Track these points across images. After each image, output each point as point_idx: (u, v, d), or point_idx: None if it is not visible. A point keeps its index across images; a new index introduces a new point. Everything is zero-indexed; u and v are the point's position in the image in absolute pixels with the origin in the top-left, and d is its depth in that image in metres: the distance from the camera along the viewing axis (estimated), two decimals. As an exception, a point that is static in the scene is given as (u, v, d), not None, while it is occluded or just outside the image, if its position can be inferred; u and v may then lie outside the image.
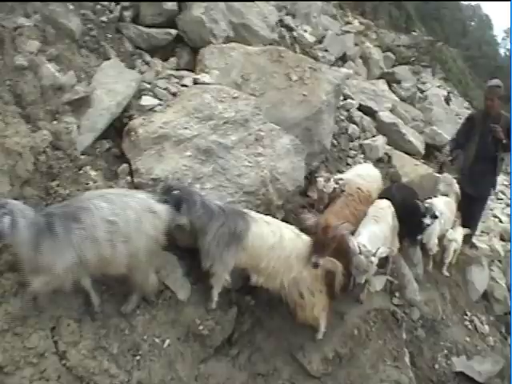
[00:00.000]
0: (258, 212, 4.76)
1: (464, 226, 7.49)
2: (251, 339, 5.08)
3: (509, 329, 7.53)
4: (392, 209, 5.51)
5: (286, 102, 5.81)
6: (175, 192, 4.16)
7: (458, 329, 6.52)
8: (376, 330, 5.43)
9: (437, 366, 5.87)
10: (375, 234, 4.98)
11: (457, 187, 7.39)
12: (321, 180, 5.54)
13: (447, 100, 14.03)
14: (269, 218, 4.65)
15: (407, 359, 5.51)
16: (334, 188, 5.52)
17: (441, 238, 6.81)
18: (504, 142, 7.21)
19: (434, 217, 6.01)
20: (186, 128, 4.90)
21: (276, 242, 4.50)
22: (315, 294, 4.72)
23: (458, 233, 7.09)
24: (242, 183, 4.81)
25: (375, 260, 4.71)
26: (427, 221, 5.94)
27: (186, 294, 4.64)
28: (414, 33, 18.78)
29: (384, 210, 5.40)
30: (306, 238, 4.66)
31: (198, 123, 4.97)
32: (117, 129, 5.13)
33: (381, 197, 5.75)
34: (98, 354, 3.90)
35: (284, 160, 5.19)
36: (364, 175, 6.09)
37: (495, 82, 7.43)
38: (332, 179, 5.56)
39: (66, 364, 3.75)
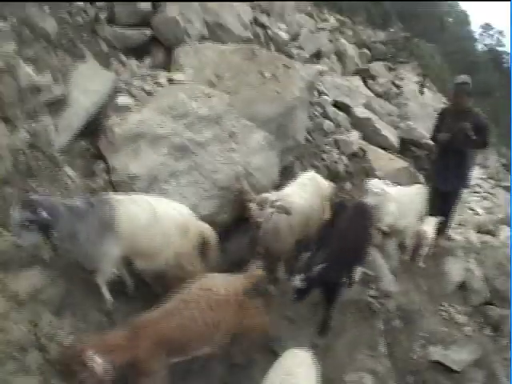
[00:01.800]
0: (233, 208, 4.91)
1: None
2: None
3: (486, 319, 7.69)
4: None
5: (260, 98, 5.91)
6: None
7: (435, 319, 6.59)
8: (352, 320, 5.55)
9: (414, 356, 5.94)
10: None
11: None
12: (253, 207, 4.89)
13: (420, 90, 14.21)
14: (137, 196, 4.30)
15: (383, 349, 5.62)
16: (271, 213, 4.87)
17: (400, 228, 6.88)
18: (474, 138, 7.25)
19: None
20: (161, 126, 5.02)
21: (149, 218, 4.17)
22: (195, 264, 4.54)
23: (431, 224, 7.25)
24: (217, 179, 4.95)
25: None
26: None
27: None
28: (391, 29, 18.96)
29: None
30: (186, 209, 4.45)
31: (172, 121, 5.09)
32: (93, 128, 5.20)
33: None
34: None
35: (257, 155, 5.33)
36: (304, 187, 5.75)
37: (462, 78, 7.49)
38: (267, 202, 4.85)
39: (46, 357, 3.80)
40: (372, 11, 20.46)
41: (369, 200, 6.02)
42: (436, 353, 6.04)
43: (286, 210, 4.82)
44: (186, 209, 4.48)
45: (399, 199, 6.61)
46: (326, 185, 6.20)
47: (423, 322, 6.36)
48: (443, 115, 7.84)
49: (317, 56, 10.96)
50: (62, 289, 4.10)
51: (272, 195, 4.89)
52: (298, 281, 4.74)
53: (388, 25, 20.33)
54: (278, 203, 4.82)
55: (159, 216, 4.22)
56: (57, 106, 4.95)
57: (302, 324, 5.23)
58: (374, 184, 6.32)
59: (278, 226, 4.98)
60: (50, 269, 4.08)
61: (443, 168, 7.67)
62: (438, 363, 5.99)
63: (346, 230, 5.19)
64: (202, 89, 5.51)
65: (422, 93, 14.10)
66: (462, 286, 7.70)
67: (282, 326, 5.20)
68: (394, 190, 6.66)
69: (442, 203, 7.73)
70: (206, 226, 4.58)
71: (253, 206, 4.83)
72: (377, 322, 5.75)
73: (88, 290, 4.32)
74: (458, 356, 6.10)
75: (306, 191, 5.61)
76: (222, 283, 4.06)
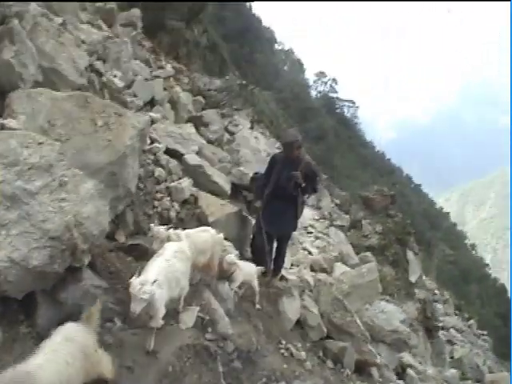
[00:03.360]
0: (65, 258, 4.98)
1: (260, 263, 8.01)
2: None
3: (326, 353, 8.17)
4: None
5: (91, 147, 6.02)
6: None
7: (275, 357, 6.84)
8: (190, 364, 5.58)
9: None
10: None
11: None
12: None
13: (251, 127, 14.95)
14: None
15: (225, 391, 5.74)
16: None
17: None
18: (303, 185, 7.87)
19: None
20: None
21: None
22: None
23: (253, 271, 7.60)
24: (47, 228, 4.91)
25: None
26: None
27: None
28: (227, 76, 19.62)
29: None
30: None
31: (3, 169, 5.00)
32: None
33: None
34: None
35: (88, 205, 5.36)
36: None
37: (290, 137, 7.95)
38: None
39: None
40: (208, 58, 21.10)
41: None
42: (280, 390, 6.21)
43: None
44: None
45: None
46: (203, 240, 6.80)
47: (264, 361, 6.59)
48: (273, 160, 8.44)
49: (151, 103, 11.16)
50: None
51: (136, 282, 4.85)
52: None
53: (224, 72, 21.08)
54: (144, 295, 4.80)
55: None
56: None
57: (142, 372, 5.21)
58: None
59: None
60: None
61: (271, 213, 8.14)
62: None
63: None
64: (34, 136, 5.45)
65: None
66: (300, 324, 8.24)
67: (121, 375, 5.13)
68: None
69: (273, 246, 8.37)
70: None
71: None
72: (216, 365, 5.85)
73: None
74: (301, 391, 6.34)
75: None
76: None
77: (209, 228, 7.24)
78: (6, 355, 4.68)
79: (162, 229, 6.34)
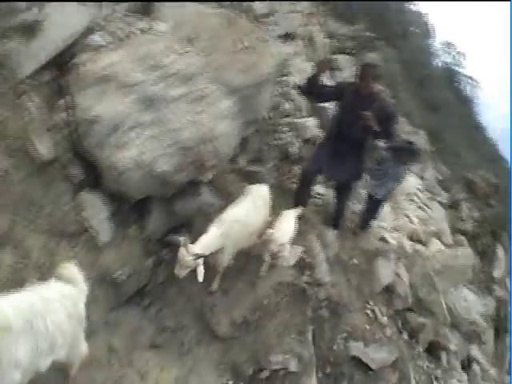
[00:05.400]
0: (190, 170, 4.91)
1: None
2: (164, 293, 5.20)
3: (405, 325, 7.88)
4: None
5: (231, 66, 5.75)
6: None
7: (359, 315, 6.62)
8: (285, 302, 5.56)
9: (335, 347, 5.99)
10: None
11: None
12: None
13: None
14: None
15: (310, 336, 5.67)
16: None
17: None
18: (375, 129, 6.20)
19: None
20: (131, 73, 4.89)
21: None
22: None
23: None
24: (180, 138, 4.86)
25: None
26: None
27: (108, 237, 4.69)
28: (357, 26, 19.03)
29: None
30: None
31: (144, 70, 4.95)
32: (61, 62, 5.02)
33: None
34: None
35: (222, 123, 5.25)
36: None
37: (370, 59, 6.76)
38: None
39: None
40: (340, 5, 20.52)
41: None
42: (356, 349, 6.12)
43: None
44: None
45: None
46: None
47: (348, 316, 6.39)
48: (339, 89, 6.66)
49: (287, 36, 10.86)
50: None
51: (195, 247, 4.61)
52: None
53: (354, 21, 20.43)
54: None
55: None
56: (28, 32, 4.74)
57: (238, 298, 5.28)
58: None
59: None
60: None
61: (330, 154, 6.68)
62: (357, 359, 6.09)
63: None
64: (179, 44, 5.36)
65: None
66: (388, 289, 7.85)
67: (217, 296, 5.27)
68: None
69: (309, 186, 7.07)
70: None
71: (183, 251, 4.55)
72: (306, 309, 5.78)
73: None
74: (375, 355, 6.22)
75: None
76: None
77: None
78: (114, 252, 4.70)
79: (189, 258, 4.58)
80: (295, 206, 6.47)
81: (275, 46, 6.64)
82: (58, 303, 3.36)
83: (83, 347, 3.84)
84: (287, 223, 5.76)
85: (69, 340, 3.49)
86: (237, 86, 5.68)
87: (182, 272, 4.59)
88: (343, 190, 7.15)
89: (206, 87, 5.24)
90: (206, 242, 4.70)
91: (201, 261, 4.58)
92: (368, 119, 6.09)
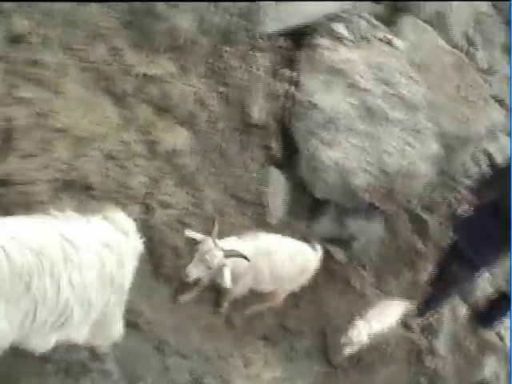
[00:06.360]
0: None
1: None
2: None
3: None
4: None
5: (450, 111, 5.59)
6: None
7: None
8: (399, 356, 5.49)
9: None
10: None
11: None
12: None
13: None
14: None
15: None
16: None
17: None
18: None
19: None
20: (362, 77, 4.81)
21: None
22: None
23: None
24: (384, 160, 4.75)
25: None
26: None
27: (278, 219, 4.71)
28: None
29: None
30: None
31: (374, 80, 4.87)
32: (297, 37, 4.98)
33: None
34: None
35: (426, 163, 5.15)
36: None
37: None
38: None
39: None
40: None
41: None
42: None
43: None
44: None
45: None
46: None
47: None
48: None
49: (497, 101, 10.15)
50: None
51: None
52: None
53: None
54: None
55: None
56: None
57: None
58: None
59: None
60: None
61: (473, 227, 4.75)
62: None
63: None
64: (412, 68, 5.26)
65: None
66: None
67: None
68: None
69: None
70: None
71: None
72: (413, 370, 5.69)
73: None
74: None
75: None
76: None
77: None
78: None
79: (218, 252, 3.55)
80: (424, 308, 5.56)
81: (491, 109, 6.30)
82: (92, 254, 2.22)
83: (117, 329, 2.78)
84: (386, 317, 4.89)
85: (96, 314, 2.42)
86: (447, 133, 5.49)
87: (196, 271, 3.54)
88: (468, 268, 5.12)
89: (423, 122, 5.09)
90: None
91: (229, 262, 3.59)
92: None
